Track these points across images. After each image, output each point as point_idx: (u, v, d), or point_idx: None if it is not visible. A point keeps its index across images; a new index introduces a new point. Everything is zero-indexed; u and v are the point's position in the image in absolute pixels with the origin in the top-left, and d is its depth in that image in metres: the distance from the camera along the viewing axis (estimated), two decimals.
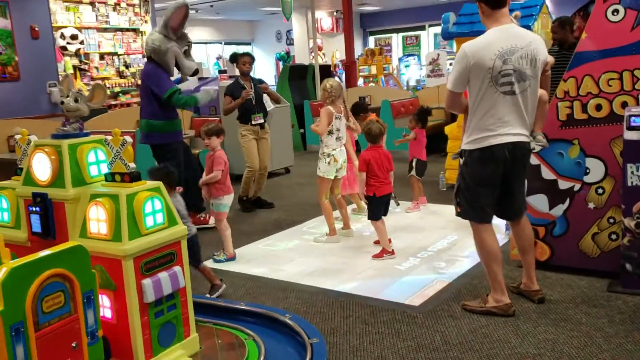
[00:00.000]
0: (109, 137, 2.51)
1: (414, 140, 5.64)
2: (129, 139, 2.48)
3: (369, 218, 4.43)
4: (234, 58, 6.13)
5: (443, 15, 6.29)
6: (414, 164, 5.62)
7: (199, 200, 5.10)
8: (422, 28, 20.99)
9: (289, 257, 4.59)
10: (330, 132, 4.74)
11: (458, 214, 3.30)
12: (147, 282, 2.43)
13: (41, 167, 2.55)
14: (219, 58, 20.09)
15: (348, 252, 4.61)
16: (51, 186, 2.54)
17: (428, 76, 13.32)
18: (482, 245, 3.24)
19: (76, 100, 2.64)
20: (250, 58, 6.12)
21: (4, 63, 7.51)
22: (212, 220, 5.18)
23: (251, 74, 6.16)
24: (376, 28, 22.33)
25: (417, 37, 20.61)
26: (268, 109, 7.67)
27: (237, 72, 6.26)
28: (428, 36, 21.02)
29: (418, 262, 4.25)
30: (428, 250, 4.51)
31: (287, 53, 19.81)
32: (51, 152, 2.54)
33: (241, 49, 9.62)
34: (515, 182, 3.24)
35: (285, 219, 5.72)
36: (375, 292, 3.73)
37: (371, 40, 22.53)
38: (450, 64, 14.73)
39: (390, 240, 4.42)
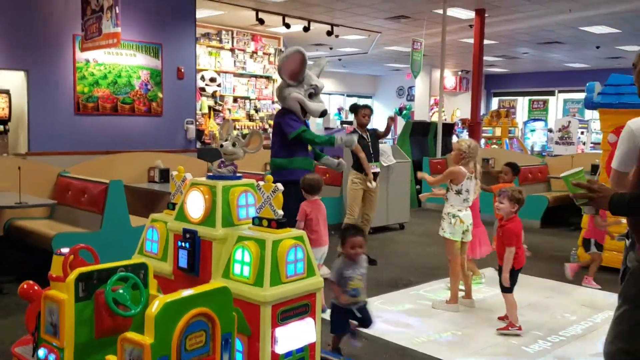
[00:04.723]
0: (262, 183, 2.57)
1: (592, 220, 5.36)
2: (280, 186, 2.52)
3: (502, 291, 4.17)
4: (355, 109, 6.23)
5: (588, 84, 6.00)
6: (592, 243, 5.37)
7: None
8: (551, 93, 20.33)
9: (404, 320, 4.43)
10: (458, 192, 4.59)
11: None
12: (281, 331, 2.41)
13: (195, 204, 2.65)
14: (340, 109, 20.67)
15: (468, 322, 4.36)
16: (202, 224, 2.62)
17: (557, 143, 12.75)
18: None
19: (234, 145, 2.75)
20: (370, 110, 6.19)
21: (150, 99, 8.12)
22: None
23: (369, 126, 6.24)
24: (501, 90, 22.00)
25: (545, 102, 19.94)
26: (390, 164, 7.69)
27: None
28: (557, 101, 20.31)
29: (549, 347, 3.92)
30: (559, 334, 4.15)
31: (401, 109, 19.95)
32: (206, 192, 2.63)
33: (362, 102, 9.72)
34: None
35: (402, 279, 5.56)
36: None
37: (494, 101, 22.18)
38: (582, 133, 14.04)
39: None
